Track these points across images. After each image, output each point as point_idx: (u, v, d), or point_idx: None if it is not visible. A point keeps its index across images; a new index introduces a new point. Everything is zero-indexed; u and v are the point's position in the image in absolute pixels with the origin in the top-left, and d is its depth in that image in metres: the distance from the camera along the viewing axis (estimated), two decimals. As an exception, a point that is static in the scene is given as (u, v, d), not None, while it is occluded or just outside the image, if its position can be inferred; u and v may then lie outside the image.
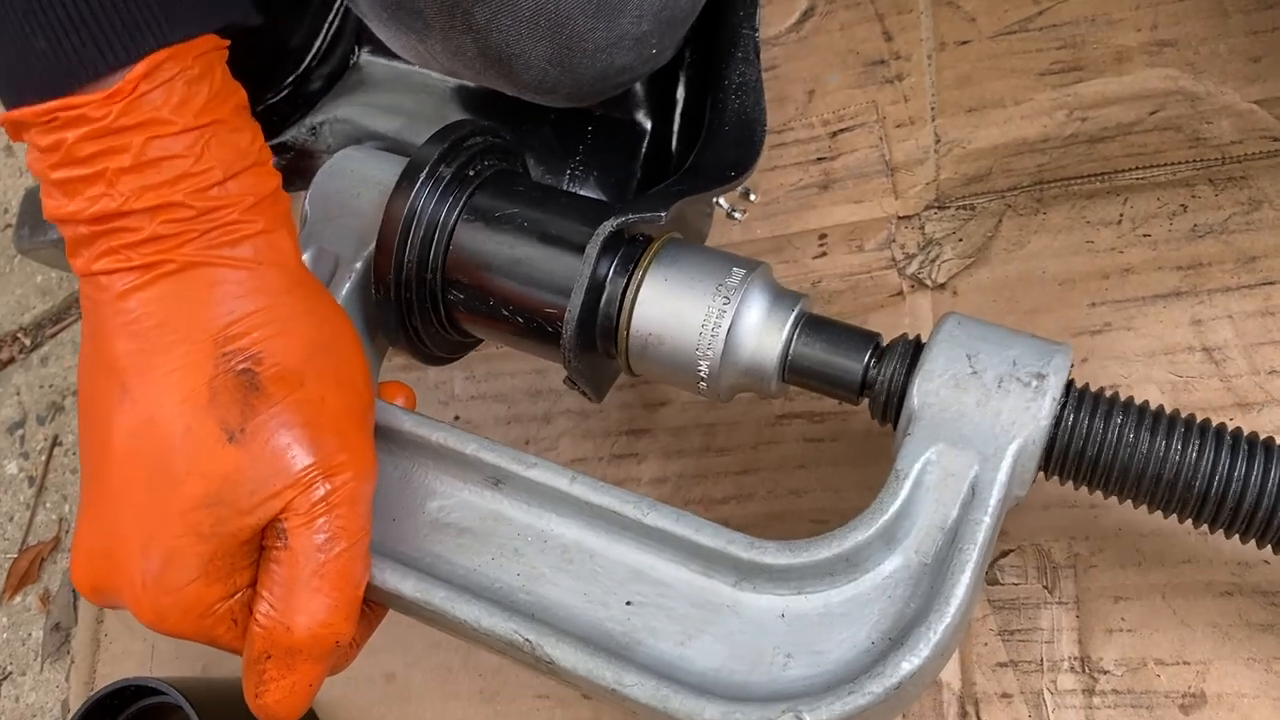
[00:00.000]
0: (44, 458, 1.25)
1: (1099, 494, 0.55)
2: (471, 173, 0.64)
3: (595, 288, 0.59)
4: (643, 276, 0.59)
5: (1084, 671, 0.62)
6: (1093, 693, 0.61)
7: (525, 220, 0.62)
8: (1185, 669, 0.60)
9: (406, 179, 0.62)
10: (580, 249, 0.60)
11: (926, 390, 0.54)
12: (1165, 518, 0.54)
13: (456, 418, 0.83)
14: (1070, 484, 0.55)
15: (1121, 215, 0.69)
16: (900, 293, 0.72)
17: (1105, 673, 0.62)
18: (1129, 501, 0.55)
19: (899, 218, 0.74)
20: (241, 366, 0.52)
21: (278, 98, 0.86)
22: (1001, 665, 0.63)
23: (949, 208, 0.72)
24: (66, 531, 1.18)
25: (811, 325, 0.59)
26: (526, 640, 0.52)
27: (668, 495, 0.73)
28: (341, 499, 0.52)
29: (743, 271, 0.59)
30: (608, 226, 0.58)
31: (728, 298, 0.58)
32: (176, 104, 0.51)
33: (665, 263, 0.60)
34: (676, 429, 0.75)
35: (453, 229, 0.63)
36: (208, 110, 0.52)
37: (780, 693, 0.51)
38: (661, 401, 0.76)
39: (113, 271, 0.52)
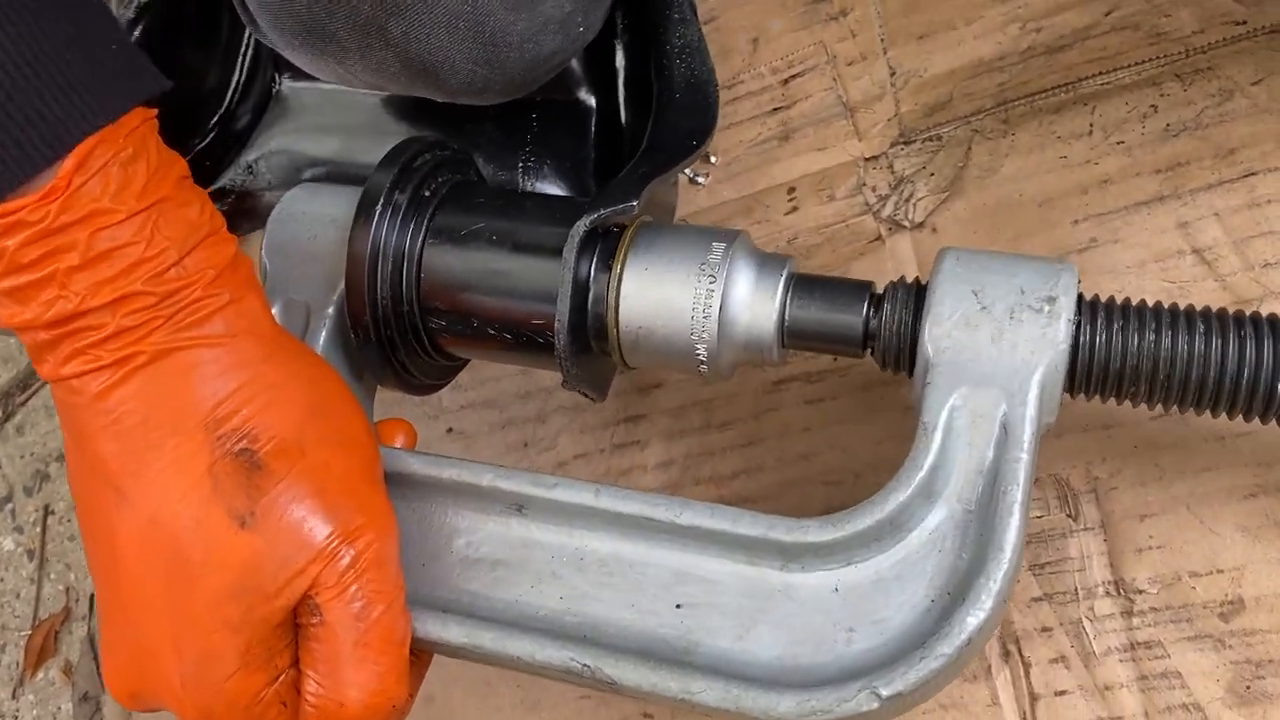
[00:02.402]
0: (39, 529, 1.22)
1: (1112, 415, 0.54)
2: (427, 193, 0.61)
3: (580, 290, 0.57)
4: (621, 270, 0.58)
5: (1120, 594, 0.62)
6: (1131, 614, 0.61)
7: (493, 233, 0.60)
8: (1220, 577, 0.60)
9: (363, 213, 0.59)
10: (555, 253, 0.57)
11: (938, 335, 0.52)
12: (1199, 414, 0.53)
13: (449, 430, 0.81)
14: (1094, 401, 0.54)
15: (1091, 125, 0.68)
16: (879, 237, 0.70)
17: (1141, 592, 0.61)
18: (1144, 417, 0.54)
19: (866, 159, 0.72)
20: (238, 448, 0.50)
21: (205, 142, 0.83)
22: (1036, 600, 0.63)
23: (915, 141, 0.71)
24: (76, 600, 1.16)
25: (802, 286, 0.57)
26: (585, 666, 0.51)
27: (676, 478, 0.72)
28: (369, 562, 0.51)
29: (722, 245, 0.57)
30: (582, 226, 0.56)
31: (713, 275, 0.56)
32: (116, 190, 0.48)
33: (642, 251, 0.58)
34: (674, 409, 0.74)
35: (420, 256, 0.60)
36: (150, 190, 0.49)
37: (849, 669, 0.50)
38: (655, 384, 0.74)
39: (83, 374, 0.50)
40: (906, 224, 0.69)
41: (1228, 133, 0.65)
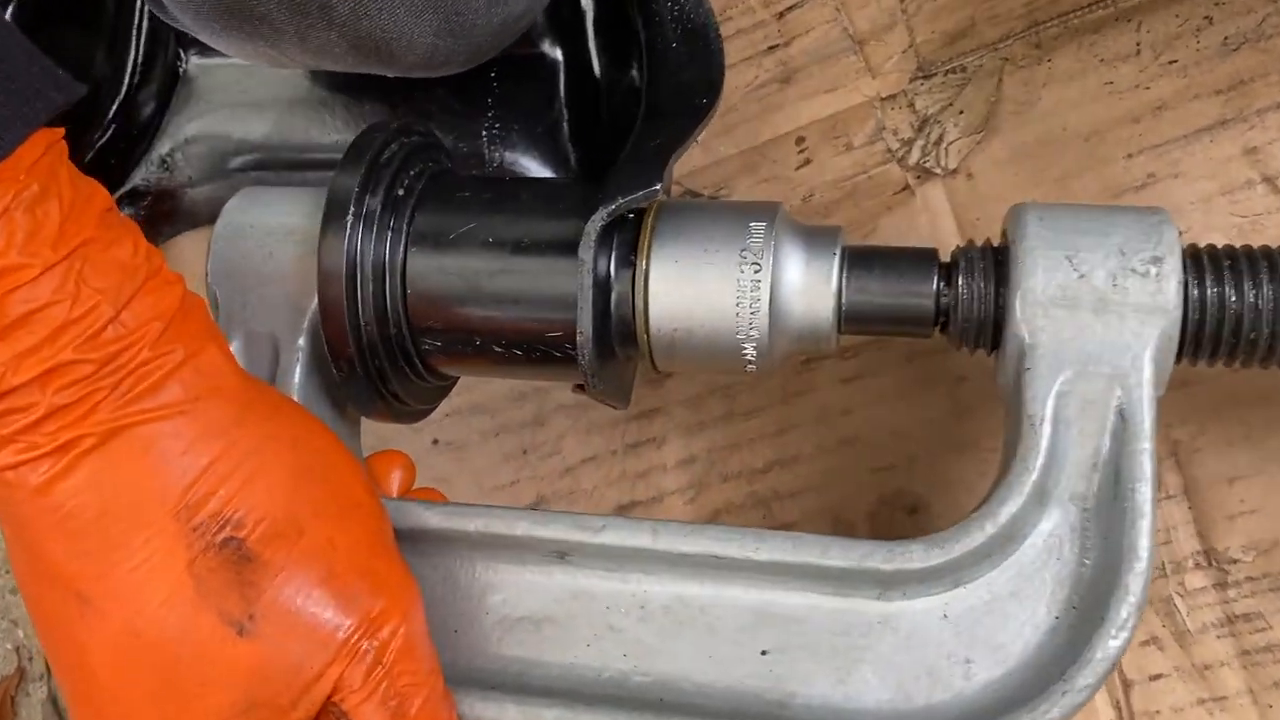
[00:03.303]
0: (-28, 588, 1.11)
1: (1189, 369, 0.48)
2: (401, 191, 0.52)
3: (601, 293, 0.49)
4: (648, 265, 0.49)
5: (1211, 565, 0.57)
6: (1226, 585, 0.56)
7: (488, 233, 0.51)
8: (1322, 540, 0.55)
9: (331, 224, 0.50)
10: (565, 249, 0.49)
11: (1033, 313, 0.45)
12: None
13: (435, 442, 0.72)
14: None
15: (1138, 44, 0.60)
16: (906, 187, 0.63)
17: (1235, 562, 0.56)
18: (1225, 370, 0.48)
19: (882, 99, 0.64)
20: (221, 538, 0.42)
21: (106, 137, 0.72)
22: (1121, 581, 0.57)
23: (935, 75, 0.62)
24: (30, 659, 1.06)
25: (858, 262, 0.49)
26: (671, 739, 0.44)
27: (700, 475, 0.65)
28: (397, 651, 0.43)
29: (762, 224, 0.49)
30: (599, 219, 0.48)
31: (757, 263, 0.48)
32: (24, 240, 0.39)
33: (668, 239, 0.50)
34: (691, 399, 0.66)
35: (404, 268, 0.51)
36: (67, 233, 0.40)
37: (975, 708, 0.44)
38: (665, 373, 0.66)
39: (18, 465, 0.41)
40: (938, 170, 0.62)
41: (1297, 41, 0.59)
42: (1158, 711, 0.57)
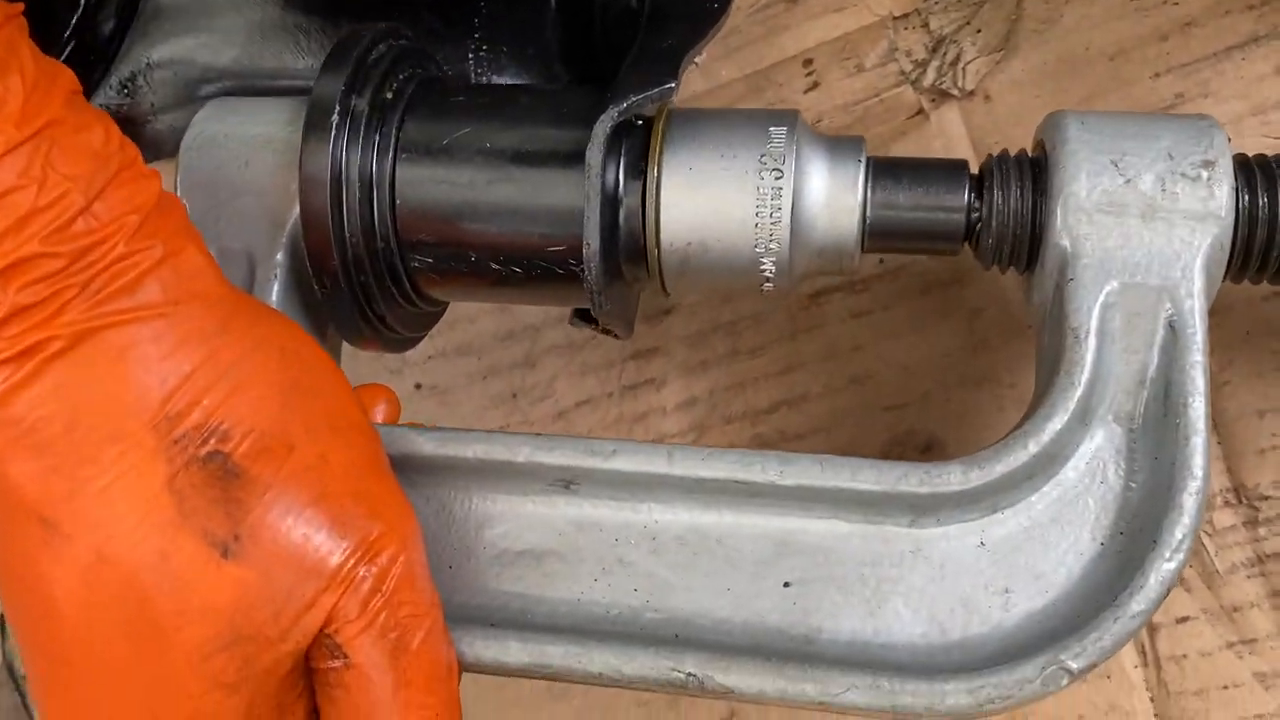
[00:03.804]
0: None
1: (1218, 297, 0.46)
2: (389, 95, 0.48)
3: (609, 205, 0.46)
4: (659, 173, 0.46)
5: (1241, 503, 0.54)
6: (1256, 524, 0.54)
7: (484, 140, 0.47)
8: (1358, 474, 0.53)
9: (314, 128, 0.46)
10: (569, 159, 0.45)
11: (1076, 220, 0.42)
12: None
13: (418, 386, 0.68)
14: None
15: None
16: (921, 111, 0.59)
17: (1266, 498, 0.54)
18: (1256, 297, 0.45)
19: (895, 18, 0.60)
20: (205, 451, 0.38)
21: (62, 57, 0.67)
22: (1144, 519, 0.55)
23: (952, -8, 0.59)
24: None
25: (884, 172, 0.46)
26: (691, 676, 0.40)
27: (702, 417, 0.61)
28: (397, 580, 0.40)
29: (783, 129, 0.46)
30: (608, 121, 0.44)
31: (778, 169, 0.45)
32: None
33: (681, 145, 0.46)
34: (692, 337, 0.62)
35: (393, 177, 0.47)
36: (31, 111, 0.37)
37: (1016, 640, 0.41)
38: (664, 309, 0.63)
39: None
40: (955, 92, 0.58)
41: (1333, -51, 0.56)
42: (1184, 656, 0.54)
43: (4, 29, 0.36)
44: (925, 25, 0.60)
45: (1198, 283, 0.42)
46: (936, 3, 0.59)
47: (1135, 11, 0.57)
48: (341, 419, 0.42)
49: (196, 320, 0.39)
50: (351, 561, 0.39)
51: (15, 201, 0.35)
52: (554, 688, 0.63)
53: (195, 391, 0.38)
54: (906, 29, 0.60)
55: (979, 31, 0.58)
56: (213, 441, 0.38)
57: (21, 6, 0.38)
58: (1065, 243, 0.43)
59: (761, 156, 0.45)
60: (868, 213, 0.46)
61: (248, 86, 0.67)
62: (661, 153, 0.46)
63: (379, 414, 0.51)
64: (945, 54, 0.59)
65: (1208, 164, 0.42)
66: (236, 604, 0.38)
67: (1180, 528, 0.39)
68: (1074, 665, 0.39)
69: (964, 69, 0.58)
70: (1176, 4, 0.57)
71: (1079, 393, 0.41)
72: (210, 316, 0.40)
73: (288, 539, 0.38)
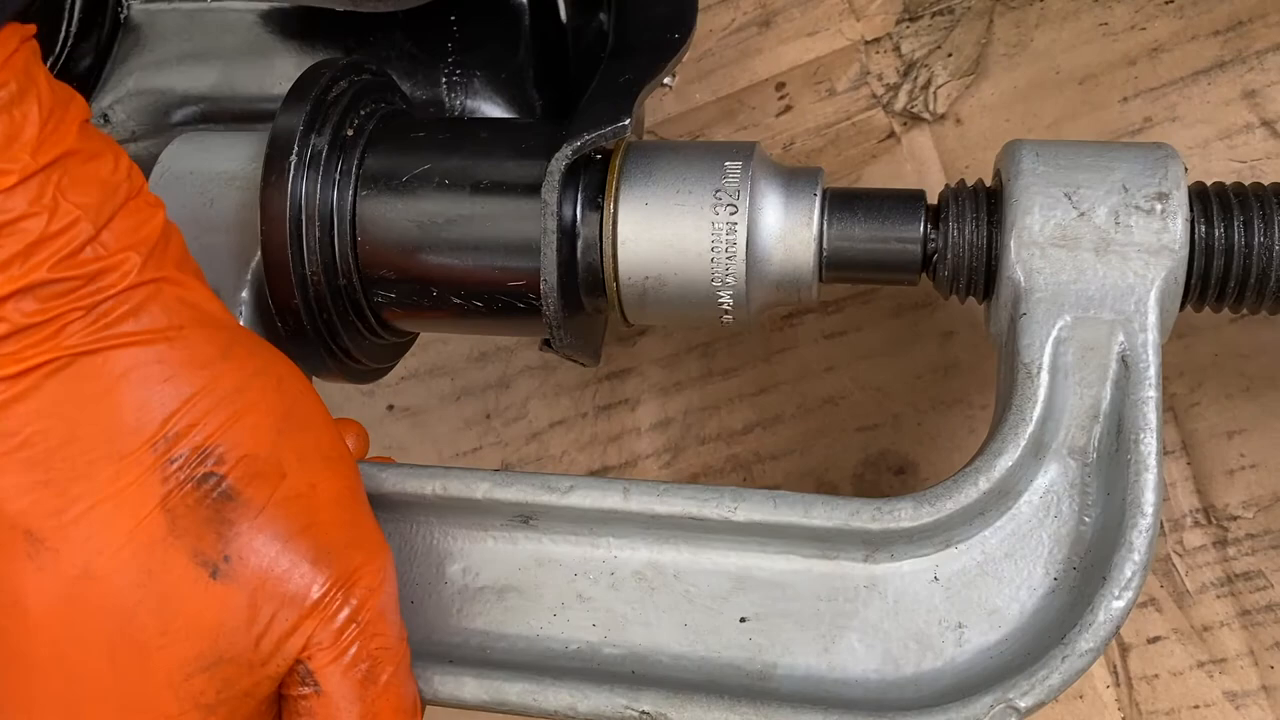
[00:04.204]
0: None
1: (1186, 320, 0.46)
2: (350, 131, 0.49)
3: (566, 238, 0.46)
4: (616, 208, 0.46)
5: (1211, 523, 0.54)
6: (1226, 544, 0.54)
7: (444, 174, 0.47)
8: (1324, 495, 0.53)
9: (274, 165, 0.46)
10: (528, 191, 0.46)
11: (1029, 254, 0.42)
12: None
13: (390, 407, 0.68)
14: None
15: None
16: (892, 134, 0.59)
17: (1235, 519, 0.54)
18: (1223, 321, 0.45)
19: (866, 42, 0.60)
20: (200, 473, 0.39)
21: (43, 87, 0.67)
22: (1117, 540, 0.55)
23: (922, 17, 0.59)
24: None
25: (840, 205, 0.46)
26: (645, 715, 0.41)
27: (676, 438, 0.62)
28: (371, 613, 0.40)
29: (738, 163, 0.46)
30: (563, 157, 0.44)
31: (733, 204, 0.45)
32: (1, 144, 0.36)
33: (638, 180, 0.46)
34: (666, 359, 0.63)
35: (354, 212, 0.47)
36: (46, 141, 0.37)
37: (969, 676, 0.41)
38: (638, 331, 0.63)
39: None
40: (926, 116, 0.58)
41: (1296, -20, 0.56)
42: (1156, 675, 0.54)
43: (20, 53, 0.37)
44: (897, 49, 0.59)
45: (1151, 316, 0.42)
46: (908, 27, 0.59)
47: (1104, 37, 0.57)
48: (330, 451, 0.42)
49: (199, 346, 0.40)
50: (333, 590, 0.39)
51: (26, 228, 0.36)
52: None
53: (195, 414, 0.39)
54: (878, 53, 0.60)
55: (950, 56, 0.58)
56: (209, 464, 0.39)
57: (34, 28, 0.38)
58: (1019, 276, 0.42)
59: (716, 192, 0.45)
60: (824, 245, 0.46)
61: (223, 111, 0.68)
62: (618, 188, 0.46)
63: (349, 447, 0.52)
64: (916, 78, 0.58)
65: (1162, 196, 0.42)
66: (221, 625, 0.38)
67: (1130, 565, 0.39)
68: (1021, 704, 0.39)
69: (935, 93, 0.58)
70: (1144, 29, 0.56)
71: (1030, 429, 0.41)
72: (212, 343, 0.40)
73: (275, 563, 0.39)
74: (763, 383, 0.60)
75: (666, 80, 0.59)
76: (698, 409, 0.61)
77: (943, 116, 0.58)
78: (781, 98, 0.61)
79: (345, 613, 0.39)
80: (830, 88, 0.60)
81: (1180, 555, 0.54)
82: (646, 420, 0.62)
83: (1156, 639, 0.54)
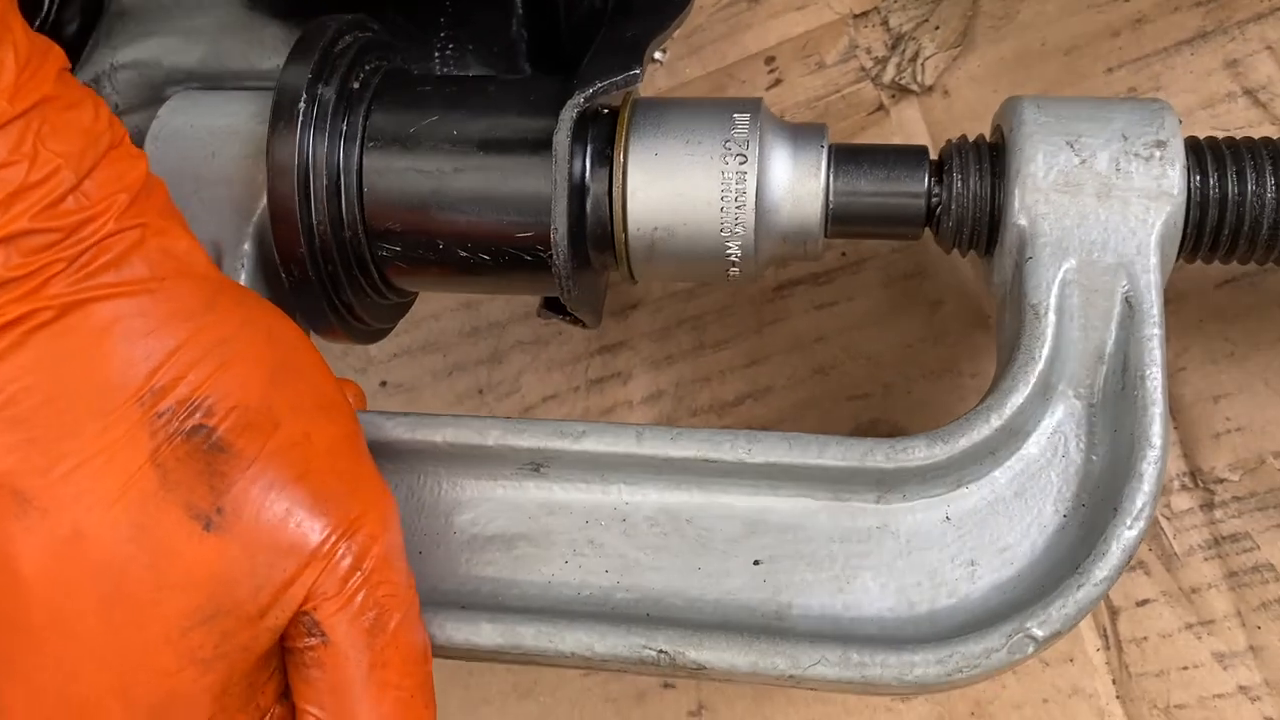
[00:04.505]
0: None
1: (1171, 285, 0.47)
2: (356, 84, 0.48)
3: (576, 192, 0.46)
4: (626, 158, 0.46)
5: (1198, 486, 0.55)
6: (1213, 506, 0.55)
7: (451, 128, 0.47)
8: (1310, 455, 0.54)
9: (281, 117, 0.46)
10: (536, 146, 0.46)
11: (1034, 200, 0.43)
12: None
13: (383, 384, 0.68)
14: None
15: None
16: (881, 107, 0.61)
17: (1221, 481, 0.55)
18: (1209, 285, 0.46)
19: (855, 16, 0.61)
20: (189, 425, 0.38)
21: (24, 61, 0.66)
22: (1105, 505, 0.56)
23: (910, -10, 0.61)
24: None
25: (845, 159, 0.47)
26: (661, 653, 0.41)
27: (668, 411, 0.62)
28: (376, 560, 0.40)
29: (746, 115, 0.46)
30: (573, 107, 0.45)
31: (743, 153, 0.46)
32: None
33: (647, 131, 0.47)
34: (658, 332, 0.63)
35: (360, 165, 0.47)
36: (24, 87, 0.37)
37: (983, 611, 0.41)
38: (630, 304, 0.63)
39: None
40: (915, 88, 0.60)
41: (1278, -51, 0.58)
42: (1145, 638, 0.55)
43: None
44: (885, 23, 0.61)
45: (1153, 259, 0.43)
46: (895, 0, 0.61)
47: (1088, 8, 0.59)
48: (325, 399, 0.42)
49: (183, 297, 0.39)
50: (333, 539, 0.39)
51: (6, 177, 0.36)
52: (521, 685, 0.63)
53: (180, 367, 0.38)
54: (866, 26, 0.61)
55: (937, 28, 0.60)
56: (197, 416, 0.38)
57: None
58: (1024, 222, 0.43)
59: (726, 142, 0.46)
60: (831, 198, 0.47)
61: (213, 87, 0.67)
62: (627, 139, 0.47)
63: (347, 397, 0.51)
64: (904, 50, 0.60)
65: (1160, 144, 0.43)
66: (217, 577, 0.38)
67: (1141, 495, 0.40)
68: (1039, 633, 0.39)
69: (923, 65, 0.59)
70: (1128, 1, 0.58)
71: (1039, 368, 0.42)
72: (196, 294, 0.40)
73: (270, 514, 0.38)
74: (754, 354, 0.61)
75: (657, 55, 0.59)
76: (689, 381, 0.62)
77: (930, 88, 0.59)
78: (771, 71, 0.62)
79: (348, 560, 0.39)
80: (819, 61, 0.61)
81: (1168, 519, 0.55)
82: (639, 393, 0.63)
83: (1145, 602, 0.55)
